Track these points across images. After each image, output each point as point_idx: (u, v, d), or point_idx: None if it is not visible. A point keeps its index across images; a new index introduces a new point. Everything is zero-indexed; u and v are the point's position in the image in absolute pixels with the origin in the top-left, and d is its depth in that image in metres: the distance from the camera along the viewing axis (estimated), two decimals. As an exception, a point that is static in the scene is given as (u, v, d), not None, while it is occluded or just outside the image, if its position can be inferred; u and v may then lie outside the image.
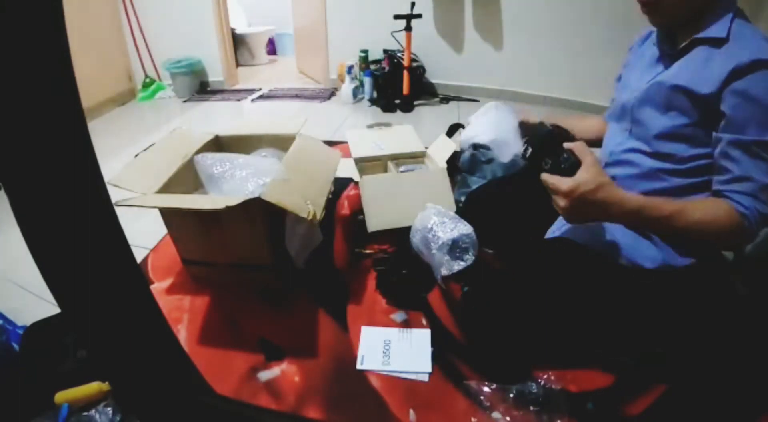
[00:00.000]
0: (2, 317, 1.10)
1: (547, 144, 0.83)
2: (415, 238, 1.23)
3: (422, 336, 1.10)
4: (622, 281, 0.92)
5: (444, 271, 1.09)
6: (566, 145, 0.81)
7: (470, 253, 1.09)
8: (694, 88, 0.80)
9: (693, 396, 0.93)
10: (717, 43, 0.79)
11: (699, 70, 0.80)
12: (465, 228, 1.12)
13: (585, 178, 0.76)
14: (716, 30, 0.80)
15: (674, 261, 0.90)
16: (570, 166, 0.78)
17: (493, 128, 1.16)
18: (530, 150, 0.84)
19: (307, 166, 1.22)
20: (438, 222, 1.15)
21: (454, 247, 1.10)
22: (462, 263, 1.08)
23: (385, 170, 1.70)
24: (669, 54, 0.89)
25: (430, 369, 1.02)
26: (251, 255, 1.21)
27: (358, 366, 1.03)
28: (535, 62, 2.91)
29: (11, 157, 0.43)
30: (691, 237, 0.82)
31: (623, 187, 0.82)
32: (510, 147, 1.10)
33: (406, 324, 1.15)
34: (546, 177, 0.80)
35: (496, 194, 1.26)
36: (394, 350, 1.07)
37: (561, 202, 0.78)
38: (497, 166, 1.51)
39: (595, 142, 1.09)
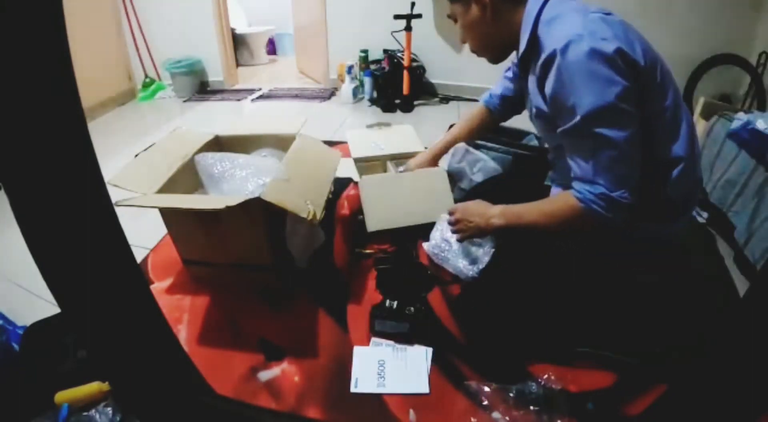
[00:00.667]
0: (2, 317, 1.10)
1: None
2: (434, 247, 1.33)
3: (418, 355, 1.06)
4: (625, 277, 0.92)
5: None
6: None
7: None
8: (541, 108, 0.91)
9: (693, 396, 0.93)
10: (530, 57, 0.90)
11: (534, 88, 0.92)
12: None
13: (464, 203, 1.12)
14: (524, 47, 0.89)
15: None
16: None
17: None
18: None
19: (307, 166, 1.22)
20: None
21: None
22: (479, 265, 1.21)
23: (385, 170, 1.70)
24: (522, 76, 1.01)
25: (427, 390, 0.98)
26: (251, 255, 1.21)
27: (352, 390, 0.99)
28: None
29: (11, 157, 0.43)
30: (553, 227, 0.91)
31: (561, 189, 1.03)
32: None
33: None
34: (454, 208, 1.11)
35: (497, 192, 1.26)
36: (389, 370, 1.03)
37: (453, 217, 1.12)
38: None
39: (476, 135, 1.42)
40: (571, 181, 0.87)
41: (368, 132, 1.97)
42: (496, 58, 1.01)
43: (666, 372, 0.98)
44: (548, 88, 0.82)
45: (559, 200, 0.89)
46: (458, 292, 1.24)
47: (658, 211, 0.90)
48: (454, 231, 1.15)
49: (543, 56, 0.81)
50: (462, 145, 1.57)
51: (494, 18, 0.91)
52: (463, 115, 1.53)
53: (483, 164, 1.49)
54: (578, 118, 0.78)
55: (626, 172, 0.81)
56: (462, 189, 1.54)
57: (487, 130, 1.41)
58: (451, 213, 1.14)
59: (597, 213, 0.82)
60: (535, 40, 0.86)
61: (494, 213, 1.02)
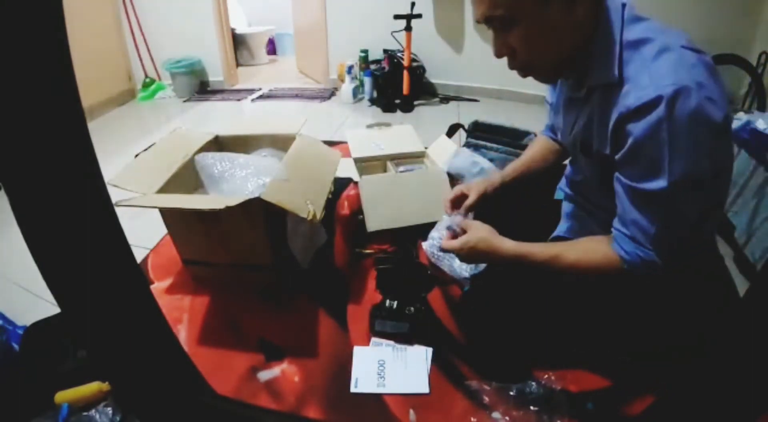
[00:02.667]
0: (2, 317, 1.10)
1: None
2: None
3: (418, 355, 1.06)
4: (623, 280, 0.92)
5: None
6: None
7: None
8: (604, 151, 0.76)
9: (693, 396, 0.93)
10: (609, 87, 0.72)
11: (600, 125, 0.76)
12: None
13: (469, 237, 0.88)
14: (604, 74, 0.71)
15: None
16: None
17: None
18: None
19: (307, 166, 1.22)
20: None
21: None
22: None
23: (385, 170, 1.70)
24: (575, 97, 0.82)
25: (427, 390, 0.98)
26: (251, 255, 1.21)
27: (352, 390, 0.99)
28: (535, 62, 2.91)
29: (11, 157, 0.43)
30: (580, 275, 0.82)
31: (581, 210, 0.95)
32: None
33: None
34: (444, 244, 0.92)
35: (495, 197, 1.26)
36: (389, 370, 1.03)
37: (458, 255, 0.92)
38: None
39: (550, 166, 1.11)
40: (614, 230, 0.78)
41: (368, 132, 1.97)
42: (554, 76, 0.82)
43: (666, 372, 0.98)
44: (634, 136, 0.67)
45: (596, 253, 0.79)
46: (458, 293, 1.24)
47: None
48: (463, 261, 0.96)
49: (638, 98, 0.65)
50: (465, 149, 1.57)
51: (576, 22, 0.70)
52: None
53: (483, 169, 1.50)
54: (665, 183, 0.67)
55: (686, 245, 0.74)
56: None
57: (554, 160, 1.11)
58: (455, 250, 0.91)
59: (636, 273, 0.76)
60: (619, 65, 0.70)
61: (506, 256, 0.85)
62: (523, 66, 0.77)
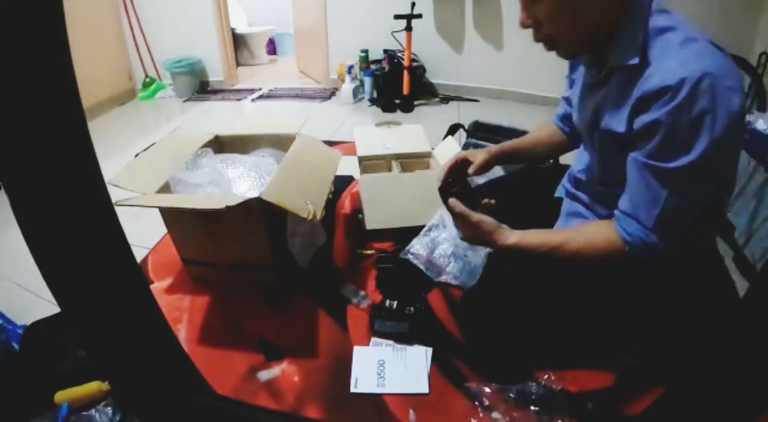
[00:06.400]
0: (2, 317, 1.10)
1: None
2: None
3: (418, 355, 1.06)
4: (623, 279, 0.92)
5: None
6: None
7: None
8: (614, 128, 0.77)
9: (692, 396, 0.93)
10: (630, 69, 0.73)
11: (615, 104, 0.77)
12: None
13: (488, 219, 0.86)
14: (628, 55, 0.73)
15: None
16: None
17: None
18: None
19: (307, 166, 1.22)
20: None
21: None
22: None
23: (389, 169, 1.70)
24: (595, 81, 0.84)
25: (427, 390, 0.98)
26: (251, 255, 1.21)
27: (352, 390, 0.99)
28: (535, 62, 2.90)
29: (11, 157, 0.43)
30: (582, 259, 0.82)
31: (582, 207, 0.96)
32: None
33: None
34: (455, 203, 0.88)
35: (497, 193, 1.26)
36: (389, 370, 1.03)
37: (464, 229, 0.89)
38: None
39: (552, 153, 1.15)
40: (618, 211, 0.78)
41: (376, 130, 1.96)
42: (576, 51, 0.82)
43: (666, 372, 0.98)
44: (658, 116, 0.68)
45: (599, 238, 0.79)
46: (458, 293, 1.24)
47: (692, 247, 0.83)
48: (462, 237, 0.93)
49: (663, 79, 0.67)
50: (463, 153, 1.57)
51: (603, 1, 0.72)
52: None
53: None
54: (683, 162, 0.68)
55: (687, 232, 0.74)
56: None
57: (557, 148, 1.13)
58: (469, 221, 0.89)
59: (637, 257, 0.76)
60: (643, 49, 0.71)
61: (510, 242, 0.85)
62: (547, 39, 0.79)
